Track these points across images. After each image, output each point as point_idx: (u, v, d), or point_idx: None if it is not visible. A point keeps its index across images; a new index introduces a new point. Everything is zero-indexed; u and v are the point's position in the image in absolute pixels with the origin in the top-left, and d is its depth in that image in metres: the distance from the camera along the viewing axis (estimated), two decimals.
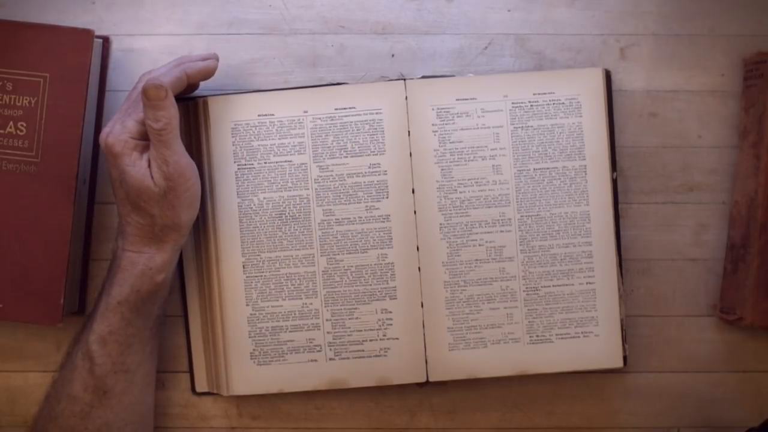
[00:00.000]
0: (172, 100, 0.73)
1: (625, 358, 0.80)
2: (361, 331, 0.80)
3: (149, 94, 0.72)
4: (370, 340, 0.80)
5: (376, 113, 0.79)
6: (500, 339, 0.80)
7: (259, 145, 0.79)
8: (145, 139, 0.74)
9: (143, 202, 0.73)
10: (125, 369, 0.75)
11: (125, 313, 0.75)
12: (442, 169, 0.79)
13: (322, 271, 0.80)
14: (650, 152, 0.83)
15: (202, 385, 0.82)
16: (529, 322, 0.80)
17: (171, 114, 0.73)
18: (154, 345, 0.78)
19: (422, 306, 0.80)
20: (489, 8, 0.83)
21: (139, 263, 0.75)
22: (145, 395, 0.78)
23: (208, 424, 0.83)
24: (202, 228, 0.81)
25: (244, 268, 0.80)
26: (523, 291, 0.80)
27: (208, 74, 0.77)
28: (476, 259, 0.80)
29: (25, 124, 0.78)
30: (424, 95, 0.79)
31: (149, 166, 0.73)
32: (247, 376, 0.80)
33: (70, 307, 0.80)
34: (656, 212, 0.83)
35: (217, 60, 0.78)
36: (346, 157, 0.79)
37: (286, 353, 0.80)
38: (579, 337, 0.80)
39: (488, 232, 0.80)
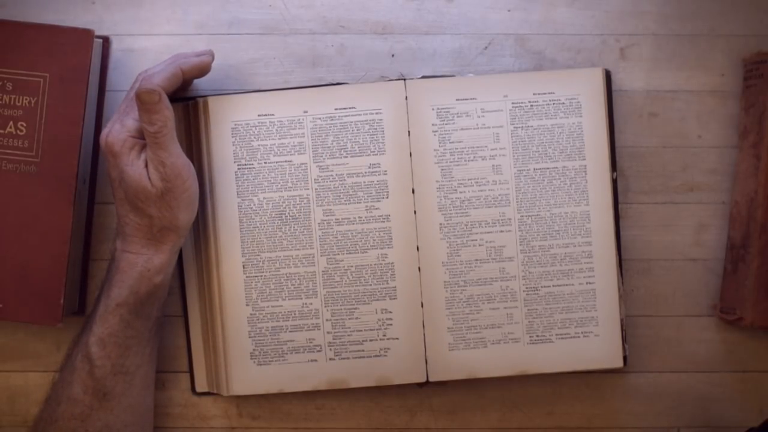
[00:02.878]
0: (167, 102, 0.73)
1: (625, 358, 0.80)
2: (361, 331, 0.80)
3: (142, 99, 0.72)
4: (370, 340, 0.80)
5: (376, 113, 0.79)
6: (500, 339, 0.80)
7: (259, 145, 0.79)
8: (144, 137, 0.74)
9: (141, 202, 0.74)
10: (125, 371, 0.75)
11: (124, 315, 0.75)
12: (442, 169, 0.80)
13: (322, 271, 0.80)
14: (650, 152, 0.83)
15: (202, 385, 0.82)
16: (529, 322, 0.80)
17: (166, 116, 0.73)
18: (153, 346, 0.78)
19: (422, 306, 0.80)
20: (489, 8, 0.83)
21: (138, 264, 0.75)
22: (144, 396, 0.78)
23: (208, 424, 0.83)
24: (202, 228, 0.81)
25: (244, 268, 0.80)
26: (523, 291, 0.80)
27: (203, 69, 0.78)
28: (476, 259, 0.80)
29: (25, 124, 0.78)
30: (424, 95, 0.79)
31: (146, 167, 0.73)
32: (247, 376, 0.80)
33: (70, 307, 0.80)
34: (656, 212, 0.83)
35: (212, 56, 0.78)
36: (346, 157, 0.79)
37: (286, 353, 0.80)
38: (579, 337, 0.80)
39: (488, 232, 0.80)
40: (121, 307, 0.75)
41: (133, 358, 0.76)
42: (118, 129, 0.74)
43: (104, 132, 0.74)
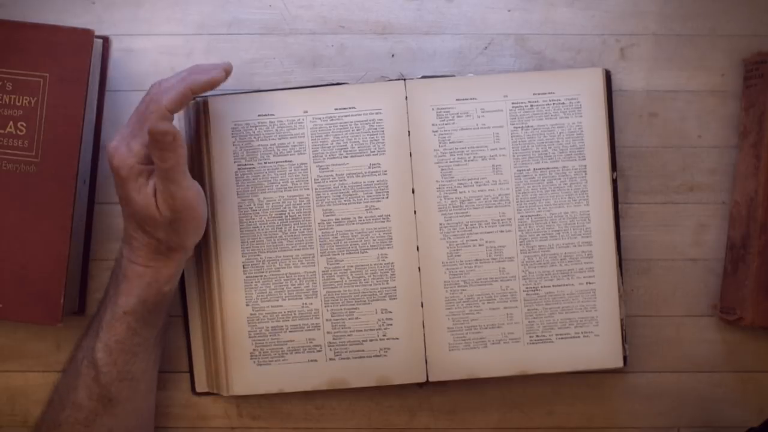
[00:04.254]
0: (181, 141, 0.70)
1: (625, 358, 0.80)
2: (361, 331, 0.80)
3: (156, 138, 0.68)
4: (370, 340, 0.80)
5: (376, 113, 0.79)
6: (500, 339, 0.80)
7: (259, 145, 0.79)
8: (151, 162, 0.71)
9: (149, 227, 0.73)
10: (130, 377, 0.75)
11: (131, 323, 0.74)
12: (442, 169, 0.79)
13: (322, 271, 0.80)
14: (650, 152, 0.83)
15: (202, 385, 0.82)
16: (529, 322, 0.80)
17: (179, 154, 0.70)
18: (158, 352, 0.78)
19: (422, 306, 0.80)
20: (489, 8, 0.83)
21: (146, 276, 0.74)
22: (148, 401, 0.78)
23: (208, 424, 0.83)
24: None
25: (244, 268, 0.79)
26: (523, 291, 0.80)
27: (213, 87, 0.74)
28: (476, 259, 0.80)
29: (25, 124, 0.78)
30: (424, 95, 0.79)
31: (155, 194, 0.71)
32: (247, 376, 0.80)
33: (70, 307, 0.80)
34: (656, 212, 0.83)
35: (226, 71, 0.74)
36: (346, 157, 0.79)
37: (286, 353, 0.80)
38: (579, 337, 0.80)
39: (488, 232, 0.80)
40: (129, 315, 0.74)
41: (139, 364, 0.76)
42: (125, 153, 0.71)
43: (111, 148, 0.72)
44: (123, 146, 0.72)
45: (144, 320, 0.75)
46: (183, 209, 0.72)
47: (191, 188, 0.72)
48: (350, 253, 0.79)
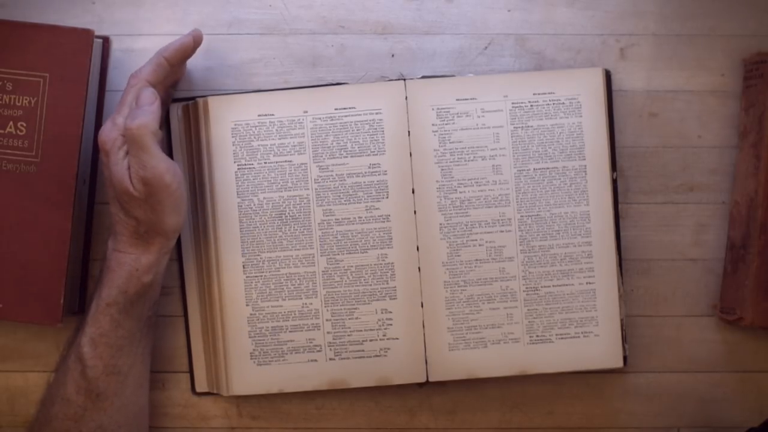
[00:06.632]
0: (158, 102, 0.74)
1: (625, 358, 0.80)
2: (361, 331, 0.80)
3: (139, 95, 0.73)
4: (370, 340, 0.80)
5: (376, 113, 0.79)
6: (500, 339, 0.80)
7: (259, 145, 0.79)
8: None
9: (126, 203, 0.73)
10: (117, 371, 0.75)
11: (114, 314, 0.75)
12: (442, 169, 0.80)
13: (322, 271, 0.80)
14: (650, 152, 0.83)
15: (202, 385, 0.82)
16: (529, 322, 0.80)
17: (153, 113, 0.73)
18: (146, 346, 0.78)
19: (422, 306, 0.80)
20: (489, 8, 0.83)
21: (126, 264, 0.74)
22: (138, 397, 0.78)
23: (208, 424, 0.83)
24: (202, 228, 0.81)
25: (244, 268, 0.80)
26: (523, 291, 0.80)
27: (186, 50, 0.77)
28: (476, 259, 0.80)
29: (25, 124, 0.78)
30: (424, 95, 0.79)
31: (129, 168, 0.73)
32: (247, 376, 0.80)
33: (70, 307, 0.80)
34: (656, 212, 0.83)
35: (195, 36, 0.77)
36: (346, 157, 0.79)
37: (286, 353, 0.80)
38: (579, 337, 0.80)
39: (488, 232, 0.80)
40: (111, 306, 0.74)
41: (125, 358, 0.76)
42: (110, 127, 0.74)
43: (100, 130, 0.74)
44: (109, 123, 0.74)
45: (126, 312, 0.75)
46: (155, 181, 0.72)
47: (163, 160, 0.73)
48: (350, 253, 0.79)
